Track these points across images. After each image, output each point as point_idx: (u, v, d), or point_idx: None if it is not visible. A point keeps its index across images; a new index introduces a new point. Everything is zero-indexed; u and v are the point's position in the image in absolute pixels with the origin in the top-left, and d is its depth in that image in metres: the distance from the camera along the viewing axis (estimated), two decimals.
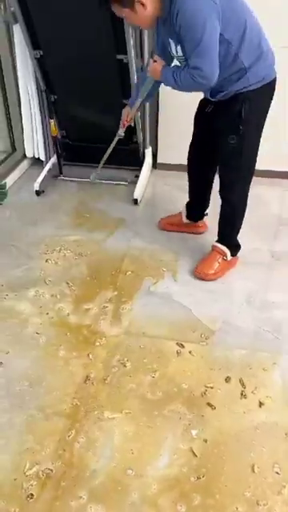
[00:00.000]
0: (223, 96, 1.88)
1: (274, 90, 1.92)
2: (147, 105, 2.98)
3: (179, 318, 1.99)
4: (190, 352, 1.82)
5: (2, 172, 3.07)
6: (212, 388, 1.67)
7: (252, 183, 2.11)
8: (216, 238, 2.28)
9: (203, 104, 2.09)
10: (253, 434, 1.53)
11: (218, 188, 2.16)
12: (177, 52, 1.83)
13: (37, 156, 3.25)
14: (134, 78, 2.58)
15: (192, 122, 2.19)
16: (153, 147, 3.17)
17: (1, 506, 1.31)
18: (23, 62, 2.85)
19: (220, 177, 2.13)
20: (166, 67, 1.88)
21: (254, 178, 2.10)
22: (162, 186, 3.10)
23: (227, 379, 1.71)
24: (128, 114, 2.30)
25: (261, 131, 1.99)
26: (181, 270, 2.28)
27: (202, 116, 2.11)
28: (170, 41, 1.82)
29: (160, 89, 2.22)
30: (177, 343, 1.85)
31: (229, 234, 2.25)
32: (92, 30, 2.43)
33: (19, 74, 2.93)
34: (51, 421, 1.57)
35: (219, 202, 2.18)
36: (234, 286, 2.18)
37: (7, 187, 2.51)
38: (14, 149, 3.32)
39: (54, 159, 3.16)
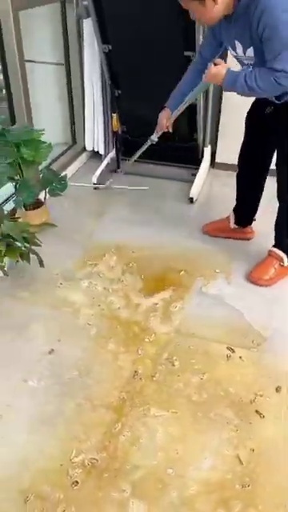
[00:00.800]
0: None
1: None
2: (209, 103, 2.95)
3: (231, 321, 1.96)
4: (240, 357, 1.78)
5: (62, 163, 3.14)
6: (261, 396, 1.63)
7: None
8: (272, 243, 2.22)
9: (258, 106, 2.03)
10: None
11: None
12: (245, 53, 1.77)
13: (96, 149, 3.31)
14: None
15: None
16: (212, 146, 3.14)
17: (47, 491, 1.35)
18: (90, 56, 2.90)
19: (278, 180, 2.07)
20: (231, 71, 1.78)
21: None
22: (219, 185, 3.06)
23: (278, 389, 1.66)
24: (167, 120, 2.21)
25: None
26: (234, 273, 2.25)
27: (258, 118, 2.04)
28: (236, 42, 1.76)
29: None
30: (227, 347, 1.82)
31: (286, 238, 2.19)
32: (162, 26, 2.43)
33: (85, 67, 2.98)
34: (98, 412, 1.59)
35: (271, 206, 2.12)
36: None
37: (67, 179, 2.56)
38: (74, 141, 3.39)
39: (112, 154, 3.20)
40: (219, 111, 3.01)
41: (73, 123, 3.32)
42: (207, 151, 3.10)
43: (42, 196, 2.54)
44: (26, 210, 2.49)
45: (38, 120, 2.66)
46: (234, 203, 2.42)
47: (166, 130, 2.26)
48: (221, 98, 2.94)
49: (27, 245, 2.06)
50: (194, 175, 2.99)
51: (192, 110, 2.77)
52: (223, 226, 2.48)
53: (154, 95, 2.80)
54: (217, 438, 1.51)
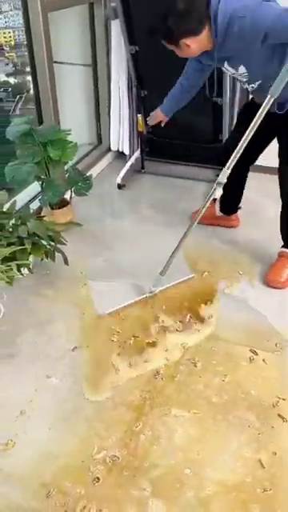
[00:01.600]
0: None
1: None
2: (236, 103, 2.93)
3: (254, 324, 1.95)
4: (263, 360, 1.77)
5: (87, 163, 3.17)
6: (284, 400, 1.61)
7: None
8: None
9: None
10: None
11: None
12: (237, 70, 1.83)
13: (121, 150, 3.33)
14: (227, 75, 2.55)
15: None
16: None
17: (68, 486, 1.37)
18: (117, 56, 2.92)
19: (282, 181, 2.10)
20: None
21: None
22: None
23: None
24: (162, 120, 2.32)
25: None
26: (258, 275, 2.23)
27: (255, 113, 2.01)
28: (226, 65, 1.85)
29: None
30: (250, 350, 1.81)
31: None
32: None
33: (112, 68, 3.00)
34: (118, 410, 1.60)
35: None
36: None
37: (92, 179, 2.59)
38: (99, 141, 3.42)
39: (137, 154, 3.21)
40: None
41: (98, 123, 3.35)
42: None
43: (67, 195, 2.57)
44: (52, 208, 2.53)
45: (65, 120, 2.70)
46: (258, 204, 2.41)
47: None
48: (247, 98, 2.91)
49: (52, 243, 2.09)
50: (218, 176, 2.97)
51: (218, 110, 2.76)
52: (208, 214, 2.37)
53: None
54: (236, 441, 1.50)
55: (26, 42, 2.38)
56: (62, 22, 2.86)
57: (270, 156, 2.36)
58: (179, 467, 1.43)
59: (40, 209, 2.60)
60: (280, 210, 2.20)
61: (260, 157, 2.29)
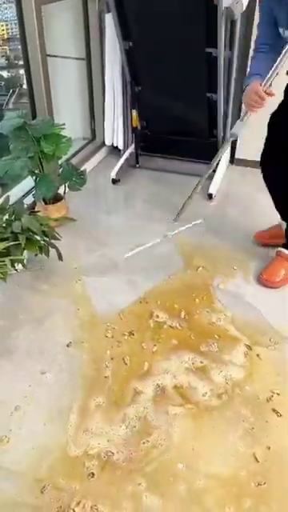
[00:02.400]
0: None
1: None
2: (231, 94, 2.91)
3: (249, 319, 1.95)
4: (257, 355, 1.77)
5: (81, 158, 3.16)
6: (279, 395, 1.62)
7: None
8: None
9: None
10: None
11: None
12: None
13: (115, 145, 3.31)
14: (221, 71, 2.54)
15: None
16: (232, 142, 3.11)
17: (63, 482, 1.36)
18: (111, 51, 2.90)
19: None
20: None
21: None
22: (238, 182, 3.03)
23: None
24: (258, 92, 1.84)
25: None
26: (253, 271, 2.23)
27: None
28: None
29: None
30: (244, 344, 1.82)
31: None
32: (183, 23, 2.42)
33: (106, 62, 2.98)
34: (114, 406, 1.60)
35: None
36: None
37: (86, 173, 2.57)
38: (93, 136, 3.40)
39: (131, 149, 3.20)
40: (240, 107, 2.98)
41: (92, 118, 3.33)
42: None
43: (61, 190, 2.56)
44: (46, 204, 2.52)
45: (59, 114, 2.68)
46: (254, 199, 2.39)
47: (263, 101, 1.86)
48: (242, 93, 2.90)
49: (46, 238, 2.08)
50: (214, 171, 2.97)
51: (212, 106, 2.75)
52: (275, 234, 2.31)
53: (174, 92, 2.82)
54: (231, 436, 1.50)
55: (19, 36, 2.35)
56: (55, 14, 2.83)
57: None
58: (174, 462, 1.43)
59: (34, 204, 2.58)
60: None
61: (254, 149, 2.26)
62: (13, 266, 2.04)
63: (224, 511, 1.31)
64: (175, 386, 1.66)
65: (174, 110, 2.56)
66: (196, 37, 2.46)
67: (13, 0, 2.27)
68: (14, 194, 2.66)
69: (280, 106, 1.97)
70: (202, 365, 1.74)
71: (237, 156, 3.19)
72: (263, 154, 2.10)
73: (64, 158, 2.60)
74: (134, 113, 2.97)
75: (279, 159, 2.00)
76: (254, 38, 2.65)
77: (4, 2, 3.46)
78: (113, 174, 3.03)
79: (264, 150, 2.09)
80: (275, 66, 1.83)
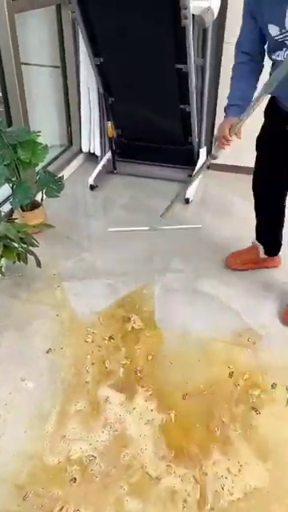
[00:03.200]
0: None
1: None
2: (205, 104, 2.97)
3: (226, 319, 1.98)
4: (235, 355, 1.80)
5: (59, 165, 3.16)
6: (257, 393, 1.65)
7: None
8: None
9: (273, 125, 1.85)
10: None
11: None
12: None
13: (92, 151, 3.33)
14: (193, 85, 2.58)
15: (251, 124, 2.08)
16: (207, 147, 3.16)
17: (45, 488, 1.36)
18: (86, 58, 2.92)
19: None
20: None
21: None
22: (214, 186, 3.08)
23: (273, 385, 1.68)
24: (232, 129, 1.77)
25: None
26: (230, 272, 2.27)
27: (279, 136, 1.82)
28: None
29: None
30: (223, 345, 1.84)
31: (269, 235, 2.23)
32: (153, 39, 2.45)
33: (81, 70, 3.00)
34: (96, 410, 1.60)
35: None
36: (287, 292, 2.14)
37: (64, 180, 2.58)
38: (70, 143, 3.41)
39: (108, 155, 3.22)
40: (214, 112, 3.03)
41: (69, 125, 3.34)
42: (203, 152, 3.12)
43: (38, 197, 2.55)
44: (23, 211, 2.51)
45: (35, 122, 2.68)
46: (229, 203, 2.43)
47: (229, 142, 1.81)
48: (216, 99, 2.97)
49: (24, 245, 2.07)
50: (190, 176, 3.02)
51: (186, 114, 2.79)
52: (250, 259, 2.29)
53: (148, 104, 2.85)
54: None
55: None
56: (29, 23, 2.84)
57: (241, 155, 2.41)
58: (153, 463, 1.43)
59: (11, 211, 2.57)
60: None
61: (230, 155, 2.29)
62: None
63: None
64: (154, 388, 1.67)
65: (148, 120, 2.59)
66: (166, 53, 2.49)
67: None
68: None
69: (263, 128, 1.93)
70: (179, 362, 1.76)
71: (212, 161, 3.23)
72: (255, 173, 2.05)
73: (41, 165, 2.60)
74: (109, 124, 3.00)
75: (273, 175, 1.97)
76: (226, 41, 2.73)
77: None
78: (91, 180, 3.04)
79: (255, 169, 2.04)
80: (251, 105, 1.69)
